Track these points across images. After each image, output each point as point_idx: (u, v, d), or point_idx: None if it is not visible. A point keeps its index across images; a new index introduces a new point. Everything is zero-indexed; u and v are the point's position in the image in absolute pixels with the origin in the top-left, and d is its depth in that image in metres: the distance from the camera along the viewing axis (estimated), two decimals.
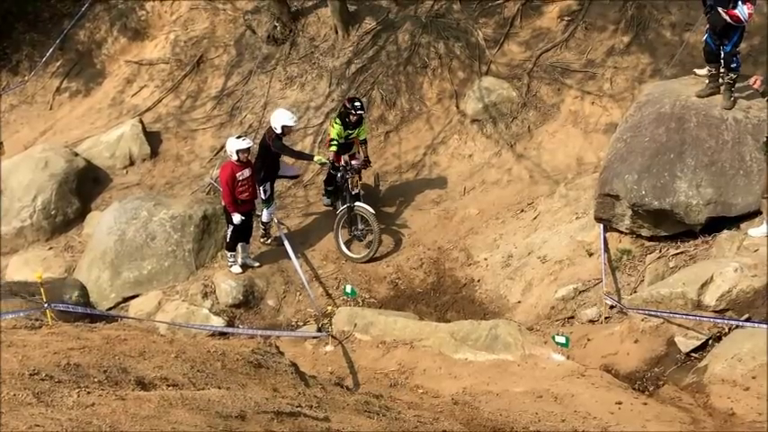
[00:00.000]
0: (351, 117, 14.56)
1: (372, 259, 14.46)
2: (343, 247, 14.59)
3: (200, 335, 12.56)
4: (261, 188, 14.23)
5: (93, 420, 5.21)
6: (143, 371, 6.72)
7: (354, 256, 14.52)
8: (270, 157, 14.35)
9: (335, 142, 14.57)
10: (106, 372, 6.49)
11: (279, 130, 14.17)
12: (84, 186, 16.77)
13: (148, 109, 18.43)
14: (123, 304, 14.13)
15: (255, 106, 17.72)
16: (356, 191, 14.64)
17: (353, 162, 14.78)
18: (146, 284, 14.13)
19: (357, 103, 14.66)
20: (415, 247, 14.71)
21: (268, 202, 14.38)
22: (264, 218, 14.47)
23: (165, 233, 14.27)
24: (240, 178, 13.47)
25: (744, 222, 11.82)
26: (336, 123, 14.63)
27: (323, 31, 18.23)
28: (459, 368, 10.95)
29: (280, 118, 14.24)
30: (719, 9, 11.72)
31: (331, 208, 15.25)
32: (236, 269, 13.85)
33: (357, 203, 14.52)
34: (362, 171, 15.02)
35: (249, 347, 8.16)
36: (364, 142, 15.09)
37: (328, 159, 14.59)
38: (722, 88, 12.19)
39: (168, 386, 6.49)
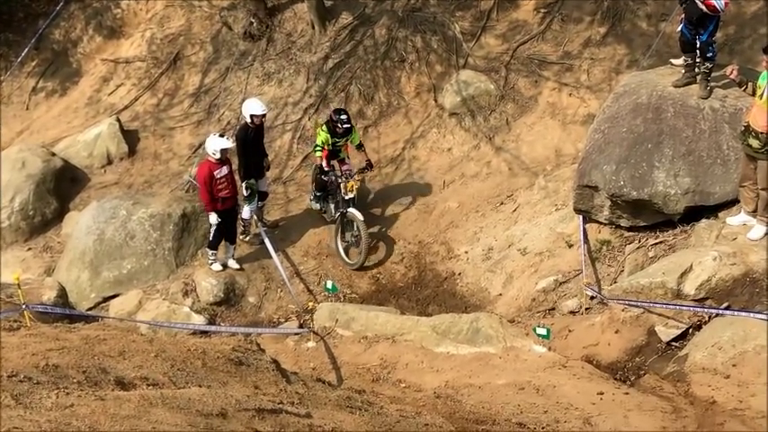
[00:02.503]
0: (337, 129, 14.30)
1: (362, 267, 14.34)
2: (342, 254, 14.48)
3: (181, 333, 12.51)
4: (243, 184, 14.17)
5: (72, 421, 5.19)
6: (123, 371, 6.69)
7: (350, 262, 14.41)
8: (251, 152, 14.24)
9: (319, 148, 14.33)
10: (85, 372, 6.45)
11: (248, 119, 14.06)
12: (62, 186, 16.69)
13: (125, 107, 18.35)
14: (103, 304, 14.05)
15: (233, 103, 17.65)
16: (349, 196, 14.30)
17: (344, 167, 14.58)
18: (126, 284, 14.06)
19: (343, 116, 14.35)
20: (395, 241, 14.71)
21: (250, 198, 14.29)
22: (245, 215, 14.38)
23: (144, 232, 14.20)
24: (218, 176, 13.37)
25: (722, 211, 11.86)
26: (323, 131, 14.34)
27: (299, 27, 18.19)
28: (440, 362, 10.96)
29: (248, 107, 14.16)
30: None
31: (320, 212, 15.05)
32: (217, 267, 13.78)
33: (349, 210, 14.28)
34: (366, 173, 15.01)
35: (230, 345, 8.13)
36: (360, 146, 14.85)
37: (317, 165, 14.48)
38: (698, 78, 12.22)
39: (148, 385, 6.46)
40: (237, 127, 14.56)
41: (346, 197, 14.28)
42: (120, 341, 7.64)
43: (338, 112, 14.53)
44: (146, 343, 7.75)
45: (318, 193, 14.88)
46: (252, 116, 14.02)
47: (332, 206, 14.68)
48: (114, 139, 17.42)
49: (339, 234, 14.48)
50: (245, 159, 14.18)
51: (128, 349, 7.31)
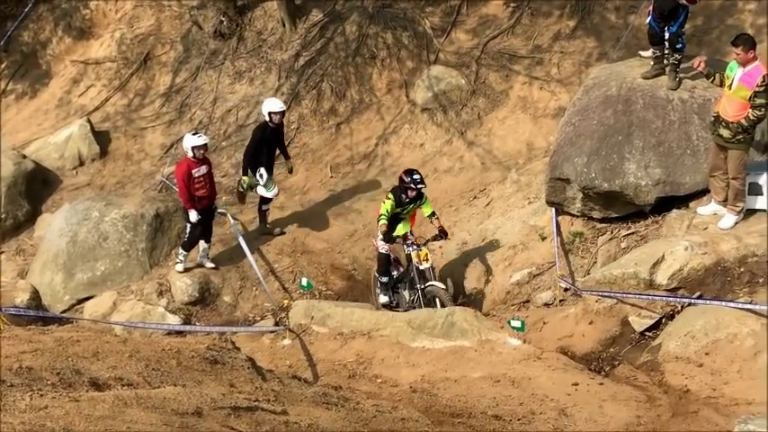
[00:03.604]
0: (409, 192, 12.45)
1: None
2: None
3: (157, 334, 12.47)
4: (256, 174, 14.15)
5: (46, 423, 5.18)
6: (97, 371, 6.67)
7: None
8: (263, 151, 14.17)
9: (384, 217, 12.47)
10: (59, 374, 6.44)
11: (267, 118, 14.07)
12: (34, 189, 16.60)
13: (96, 108, 18.29)
14: (78, 306, 13.95)
15: (205, 102, 17.64)
16: (425, 266, 12.40)
17: (408, 243, 12.76)
18: (100, 285, 13.96)
19: (416, 176, 12.45)
20: (370, 237, 14.70)
21: (267, 185, 14.21)
22: (270, 195, 14.34)
23: (117, 233, 14.11)
24: (196, 175, 13.28)
25: (692, 201, 11.96)
26: (388, 199, 12.54)
27: (270, 25, 18.18)
28: (416, 356, 10.97)
29: (266, 105, 14.21)
30: None
31: (391, 307, 12.91)
32: (180, 267, 13.65)
33: (429, 285, 12.29)
34: (440, 241, 13.22)
35: (204, 344, 8.13)
36: (433, 214, 12.89)
37: (379, 238, 12.65)
38: (667, 69, 12.30)
39: (123, 386, 6.45)
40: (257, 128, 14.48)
41: (421, 267, 12.41)
42: (93, 342, 7.62)
43: (410, 172, 12.62)
44: (120, 344, 7.74)
45: (385, 279, 12.92)
46: (270, 114, 14.03)
47: (405, 293, 12.81)
48: (85, 141, 17.38)
49: None
50: (253, 157, 14.17)
51: (102, 350, 7.30)
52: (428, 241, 12.95)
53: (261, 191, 14.28)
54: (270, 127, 14.16)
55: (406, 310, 12.45)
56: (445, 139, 16.01)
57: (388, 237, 12.58)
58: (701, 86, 12.14)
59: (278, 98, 16.80)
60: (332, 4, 18.04)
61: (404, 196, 12.51)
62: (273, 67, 17.63)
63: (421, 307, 12.25)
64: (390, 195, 12.58)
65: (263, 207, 14.62)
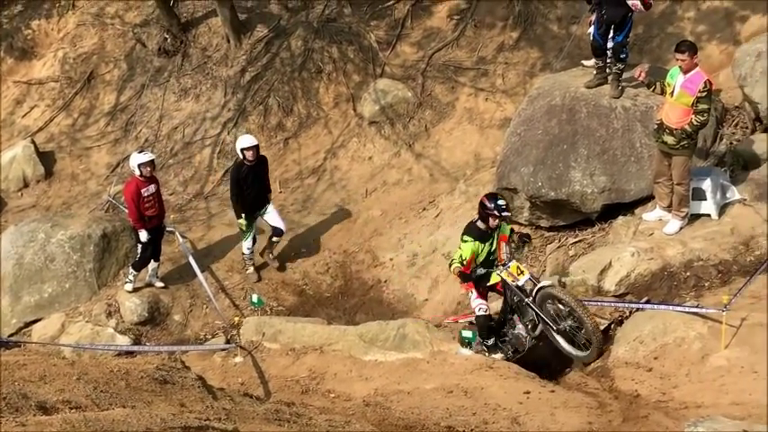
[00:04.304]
0: (491, 221, 10.31)
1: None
2: (567, 347, 10.25)
3: (106, 355, 12.33)
4: (238, 221, 13.88)
5: None
6: (44, 395, 6.58)
7: (579, 354, 10.27)
8: (246, 189, 13.69)
9: (456, 262, 10.34)
10: (5, 398, 6.34)
11: (240, 156, 13.63)
12: None
13: (40, 129, 18.09)
14: (25, 329, 13.75)
15: (150, 120, 17.51)
16: (525, 278, 10.18)
17: (498, 272, 10.40)
18: (47, 308, 13.77)
19: (501, 201, 10.35)
20: (320, 251, 14.69)
21: (244, 234, 13.92)
22: (244, 251, 14.03)
23: (64, 254, 13.93)
24: (145, 194, 13.15)
25: (638, 207, 12.13)
26: (465, 242, 10.37)
27: (215, 41, 18.11)
28: (369, 370, 10.97)
29: (238, 143, 13.77)
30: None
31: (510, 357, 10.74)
32: (129, 287, 13.50)
33: (539, 287, 10.12)
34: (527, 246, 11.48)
35: (154, 364, 8.05)
36: (512, 231, 10.81)
37: (473, 297, 10.64)
38: (610, 78, 12.45)
39: (71, 409, 6.37)
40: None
41: (520, 283, 10.20)
42: (40, 366, 7.52)
43: (493, 197, 10.50)
44: (67, 366, 7.65)
45: (491, 342, 10.78)
46: (242, 150, 13.52)
47: (519, 328, 10.61)
48: (30, 162, 17.18)
49: (551, 331, 10.21)
50: (237, 198, 13.76)
51: (49, 373, 7.21)
52: (513, 253, 10.67)
53: (242, 243, 14.04)
54: (246, 165, 13.62)
55: (530, 348, 10.57)
56: (393, 152, 16.05)
57: (483, 286, 10.62)
58: (644, 94, 12.30)
59: (223, 113, 16.83)
60: (276, 20, 18.03)
61: (483, 226, 10.39)
62: (219, 83, 17.56)
63: (544, 319, 10.10)
64: (467, 238, 10.37)
65: (273, 239, 14.23)
